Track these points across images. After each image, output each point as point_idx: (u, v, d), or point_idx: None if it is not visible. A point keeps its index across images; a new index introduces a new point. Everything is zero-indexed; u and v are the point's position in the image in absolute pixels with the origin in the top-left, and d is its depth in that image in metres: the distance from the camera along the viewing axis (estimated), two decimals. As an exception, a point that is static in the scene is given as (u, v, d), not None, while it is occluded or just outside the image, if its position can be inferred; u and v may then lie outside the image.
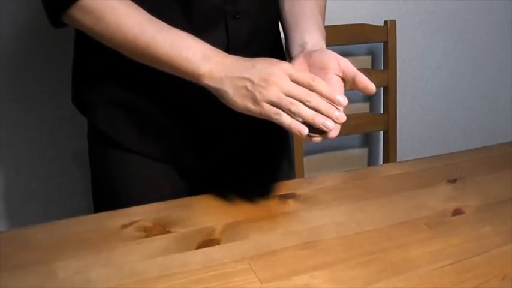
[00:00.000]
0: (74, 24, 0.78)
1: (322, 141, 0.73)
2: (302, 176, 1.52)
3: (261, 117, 0.72)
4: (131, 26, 0.75)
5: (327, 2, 0.95)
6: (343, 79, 0.77)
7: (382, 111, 1.68)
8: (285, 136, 1.06)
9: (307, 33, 0.84)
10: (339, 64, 0.76)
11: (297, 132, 0.69)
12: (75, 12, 0.75)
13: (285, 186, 0.92)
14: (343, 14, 1.58)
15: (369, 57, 1.71)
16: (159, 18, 0.79)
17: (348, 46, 1.59)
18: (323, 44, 0.84)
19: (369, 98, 1.76)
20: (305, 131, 0.69)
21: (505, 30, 1.85)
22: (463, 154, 1.07)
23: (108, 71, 0.87)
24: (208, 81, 0.74)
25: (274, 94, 0.70)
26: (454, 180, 0.96)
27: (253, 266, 0.72)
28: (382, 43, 1.62)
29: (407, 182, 0.95)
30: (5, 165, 1.43)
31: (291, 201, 0.88)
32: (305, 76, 0.72)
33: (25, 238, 0.77)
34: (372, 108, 1.77)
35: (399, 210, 0.86)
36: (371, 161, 1.87)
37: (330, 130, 0.70)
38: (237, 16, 0.82)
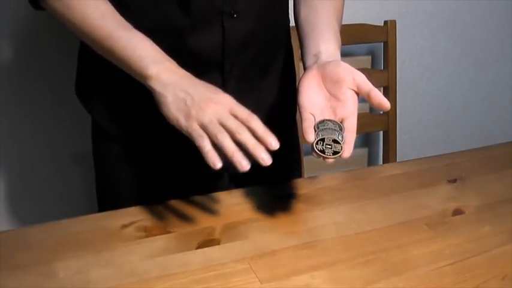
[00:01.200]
0: (49, 9, 0.79)
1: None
2: (302, 176, 1.52)
3: (185, 134, 0.71)
4: (95, 17, 0.76)
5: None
6: (357, 93, 0.77)
7: (382, 111, 1.68)
8: (295, 139, 1.06)
9: (322, 43, 0.84)
10: (354, 79, 0.75)
11: (211, 163, 0.68)
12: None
13: (286, 186, 0.92)
14: (343, 14, 1.57)
15: (369, 57, 1.71)
16: (155, 14, 0.79)
17: (348, 46, 1.59)
18: (338, 54, 0.83)
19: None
20: (218, 165, 0.68)
21: (505, 30, 1.85)
22: (463, 154, 1.07)
23: (108, 68, 0.86)
24: (153, 84, 0.74)
25: (208, 117, 0.69)
26: (454, 180, 0.96)
27: (253, 266, 0.72)
28: (382, 43, 1.62)
29: (407, 182, 0.95)
30: (5, 165, 1.43)
31: (291, 201, 0.87)
32: (244, 112, 0.71)
33: (25, 238, 0.77)
34: (372, 108, 1.77)
35: (399, 210, 0.86)
36: (371, 161, 1.86)
37: (245, 171, 0.68)
38: (235, 15, 0.82)
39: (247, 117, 0.70)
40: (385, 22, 1.59)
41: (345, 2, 1.04)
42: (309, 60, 0.83)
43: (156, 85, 0.73)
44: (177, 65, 0.76)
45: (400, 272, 0.71)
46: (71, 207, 1.48)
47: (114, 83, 0.87)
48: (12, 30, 1.31)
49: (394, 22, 1.59)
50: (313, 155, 0.72)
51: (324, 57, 0.81)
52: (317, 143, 0.72)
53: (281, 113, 0.96)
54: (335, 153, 0.71)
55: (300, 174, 1.10)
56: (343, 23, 1.52)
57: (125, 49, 0.75)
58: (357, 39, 1.58)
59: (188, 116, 0.70)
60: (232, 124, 0.69)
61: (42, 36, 1.33)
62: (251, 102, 0.90)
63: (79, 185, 1.49)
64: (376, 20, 1.59)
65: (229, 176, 0.96)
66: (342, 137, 0.72)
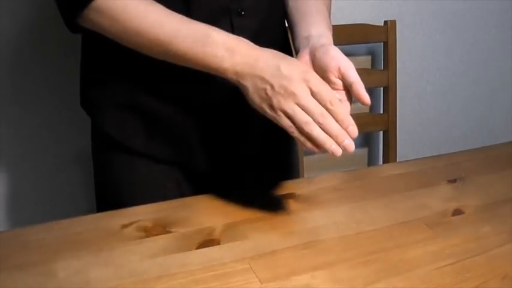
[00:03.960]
0: (91, 26, 0.77)
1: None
2: (302, 176, 1.52)
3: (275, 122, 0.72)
4: (150, 24, 0.74)
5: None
6: None
7: (382, 111, 1.68)
8: (294, 140, 1.06)
9: (313, 26, 0.83)
10: (339, 68, 0.74)
11: (311, 149, 0.70)
12: (90, 13, 0.74)
13: (285, 186, 0.92)
14: (343, 14, 1.58)
15: (369, 57, 1.71)
16: None
17: (348, 46, 1.59)
18: (329, 34, 0.82)
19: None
20: (316, 150, 0.69)
21: (505, 30, 1.85)
22: (463, 154, 1.07)
23: (118, 74, 0.86)
24: (230, 75, 0.73)
25: (289, 106, 0.69)
26: (454, 180, 0.96)
27: (253, 266, 0.71)
28: (382, 43, 1.62)
29: (407, 182, 0.95)
30: (6, 165, 1.43)
31: (291, 201, 0.87)
32: (326, 94, 0.70)
33: (25, 238, 0.77)
34: (372, 108, 1.77)
35: (399, 210, 0.86)
36: (371, 161, 1.86)
37: (337, 156, 0.69)
38: (242, 13, 0.82)
39: (330, 101, 0.70)
40: (385, 22, 1.59)
41: (345, 2, 1.03)
42: (300, 44, 0.82)
43: (234, 76, 0.73)
44: (248, 45, 0.74)
45: (400, 272, 0.71)
46: (71, 207, 1.48)
47: (122, 89, 0.87)
48: (14, 29, 1.31)
49: (394, 22, 1.59)
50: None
51: (315, 39, 0.80)
52: None
53: None
54: None
55: (298, 174, 1.10)
56: (343, 23, 1.53)
57: (193, 50, 0.73)
58: (357, 39, 1.58)
59: (271, 106, 0.71)
60: (314, 112, 0.69)
61: (43, 36, 1.33)
62: None
63: (79, 185, 1.49)
64: (376, 20, 1.59)
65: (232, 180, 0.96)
66: None
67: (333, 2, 0.94)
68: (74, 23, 0.77)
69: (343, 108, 0.71)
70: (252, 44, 0.74)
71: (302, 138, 0.70)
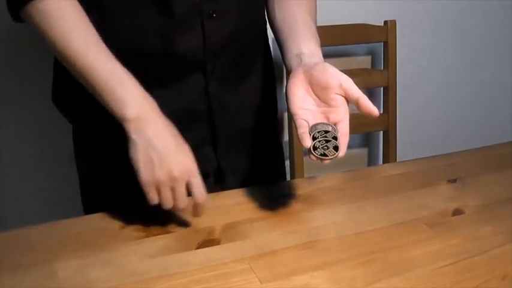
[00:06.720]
0: (30, 22, 0.78)
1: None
2: (302, 176, 1.52)
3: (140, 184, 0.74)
4: (78, 44, 0.75)
5: (328, 2, 0.94)
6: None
7: (382, 111, 1.68)
8: (277, 140, 1.06)
9: (303, 43, 0.83)
10: (341, 85, 0.75)
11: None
12: (31, 11, 0.75)
13: (285, 186, 0.92)
14: (343, 14, 1.57)
15: (369, 57, 1.71)
16: (134, 16, 0.78)
17: (348, 46, 1.59)
18: (319, 52, 0.83)
19: (369, 98, 1.75)
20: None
21: (505, 30, 1.85)
22: (463, 154, 1.07)
23: None
24: (128, 127, 0.74)
25: (165, 180, 0.73)
26: (454, 180, 0.96)
27: (253, 266, 0.72)
28: (382, 43, 1.61)
29: (407, 182, 0.95)
30: (6, 165, 1.43)
31: (291, 201, 0.88)
32: (196, 188, 0.76)
33: (25, 238, 0.77)
34: (371, 108, 1.77)
35: (399, 210, 0.86)
36: (371, 161, 1.86)
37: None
38: (214, 15, 0.81)
39: (195, 196, 0.76)
40: (385, 22, 1.59)
41: (345, 2, 1.03)
42: (292, 61, 0.83)
43: (131, 129, 0.74)
44: (157, 108, 0.76)
45: (400, 272, 0.71)
46: (71, 207, 1.48)
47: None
48: (13, 29, 1.31)
49: (394, 22, 1.59)
50: (310, 158, 0.73)
51: (307, 58, 0.81)
52: (314, 149, 0.72)
53: (263, 114, 0.96)
54: (324, 155, 0.72)
55: (284, 174, 1.09)
56: (343, 23, 1.53)
57: (107, 83, 0.74)
58: (357, 39, 1.58)
59: (152, 175, 0.73)
60: (179, 194, 0.75)
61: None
62: (233, 104, 0.90)
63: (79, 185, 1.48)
64: (376, 20, 1.59)
65: (214, 178, 0.95)
66: (336, 138, 0.73)
67: (333, 2, 0.94)
68: (16, 13, 0.78)
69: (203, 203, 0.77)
70: (158, 110, 0.76)
71: (153, 202, 0.74)
